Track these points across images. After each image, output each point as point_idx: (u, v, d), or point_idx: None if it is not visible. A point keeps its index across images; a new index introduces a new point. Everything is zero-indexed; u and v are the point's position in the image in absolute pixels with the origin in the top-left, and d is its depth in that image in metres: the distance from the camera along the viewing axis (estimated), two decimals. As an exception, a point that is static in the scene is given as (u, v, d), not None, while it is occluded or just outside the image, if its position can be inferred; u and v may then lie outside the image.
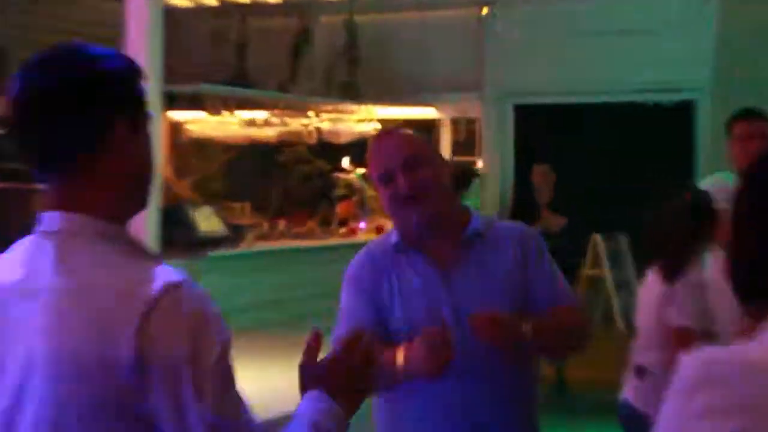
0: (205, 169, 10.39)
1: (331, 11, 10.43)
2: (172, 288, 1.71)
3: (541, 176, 8.28)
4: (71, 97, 1.76)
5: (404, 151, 3.11)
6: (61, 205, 1.81)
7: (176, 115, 10.00)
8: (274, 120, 10.21)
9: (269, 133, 10.40)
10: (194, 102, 9.72)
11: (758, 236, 1.70)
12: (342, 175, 10.69)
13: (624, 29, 9.45)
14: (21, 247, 1.91)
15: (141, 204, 1.94)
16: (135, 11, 7.05)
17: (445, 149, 11.06)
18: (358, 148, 10.99)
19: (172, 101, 9.13)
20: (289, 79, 10.29)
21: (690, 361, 1.60)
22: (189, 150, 10.31)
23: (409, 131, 3.37)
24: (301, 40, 10.19)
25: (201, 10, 10.59)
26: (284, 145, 10.81)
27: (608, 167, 7.95)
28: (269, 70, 10.32)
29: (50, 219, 1.82)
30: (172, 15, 8.01)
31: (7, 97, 1.81)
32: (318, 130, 10.54)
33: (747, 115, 5.46)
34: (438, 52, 10.33)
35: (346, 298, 3.20)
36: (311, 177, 11.10)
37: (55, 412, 1.70)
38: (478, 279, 3.10)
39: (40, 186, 1.89)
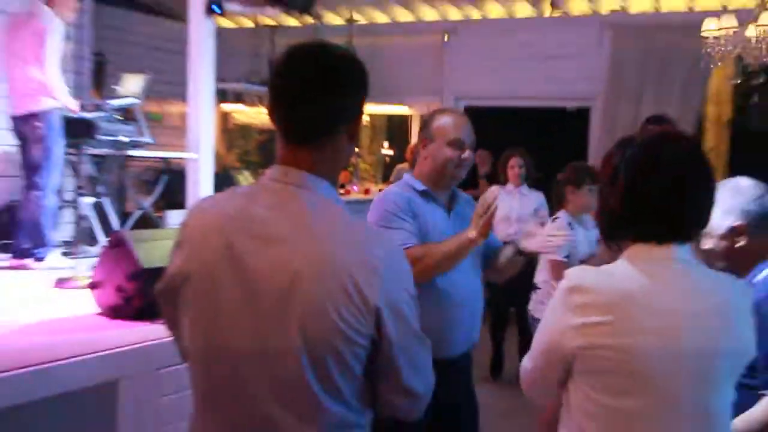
0: (245, 146, 11.49)
1: (336, 34, 11.12)
2: (398, 245, 2.21)
3: (481, 157, 8.99)
4: (345, 84, 2.04)
5: (473, 135, 3.72)
6: (307, 166, 2.02)
7: (226, 106, 10.93)
8: None
9: None
10: (238, 97, 10.83)
11: (617, 197, 2.28)
12: None
13: (544, 54, 10.51)
14: (265, 192, 2.07)
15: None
16: (195, 30, 7.83)
17: (414, 135, 11.48)
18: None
19: (223, 96, 10.19)
20: None
21: (570, 274, 2.25)
22: (234, 132, 11.47)
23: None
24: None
25: (241, 31, 11.59)
26: None
27: (531, 152, 8.12)
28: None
29: (297, 176, 2.01)
30: (221, 33, 8.55)
31: (272, 79, 2.08)
32: None
33: (658, 120, 6.03)
34: (411, 65, 11.27)
35: (401, 219, 3.61)
36: None
37: (315, 324, 1.90)
38: (461, 219, 3.72)
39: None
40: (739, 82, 9.31)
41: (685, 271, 2.22)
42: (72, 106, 6.76)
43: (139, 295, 4.57)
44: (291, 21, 11.18)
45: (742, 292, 2.30)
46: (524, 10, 10.82)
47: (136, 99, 7.70)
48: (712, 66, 8.62)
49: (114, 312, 4.68)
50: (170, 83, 9.41)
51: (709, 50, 8.12)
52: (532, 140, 9.66)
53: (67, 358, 3.84)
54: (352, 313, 1.89)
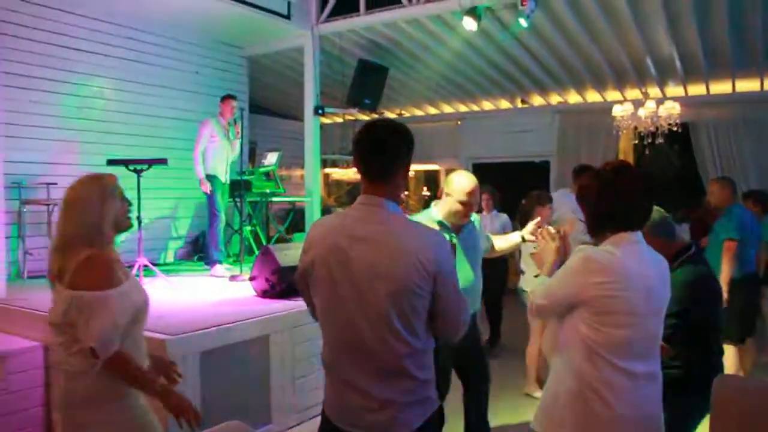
0: (338, 193, 11.40)
1: None
2: (442, 237, 2.13)
3: (487, 196, 8.30)
4: (401, 146, 2.09)
5: (478, 195, 3.58)
6: (381, 194, 2.07)
7: (327, 170, 10.91)
8: None
9: None
10: (333, 163, 10.91)
11: (604, 205, 2.27)
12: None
13: (518, 128, 10.68)
14: (358, 211, 2.11)
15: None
16: (308, 125, 8.10)
17: (442, 182, 12.35)
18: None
19: (325, 163, 10.22)
20: None
21: (585, 249, 2.24)
22: (332, 184, 11.44)
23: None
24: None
25: (335, 124, 11.61)
26: None
27: (516, 187, 7.20)
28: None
29: (375, 200, 2.07)
30: (323, 126, 8.83)
31: (356, 136, 2.11)
32: None
33: (585, 168, 5.69)
34: (439, 139, 11.29)
35: None
36: None
37: (396, 291, 1.96)
38: (464, 240, 3.59)
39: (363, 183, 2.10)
40: (636, 143, 9.44)
41: (645, 248, 2.29)
42: (201, 179, 6.61)
43: (279, 282, 4.87)
44: (364, 117, 11.02)
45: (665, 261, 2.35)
46: (506, 104, 10.96)
47: (274, 166, 7.83)
48: (620, 134, 9.09)
49: (264, 294, 4.98)
50: (294, 157, 9.60)
51: (617, 124, 8.45)
52: (517, 181, 9.36)
53: (240, 320, 4.10)
54: (421, 278, 1.97)
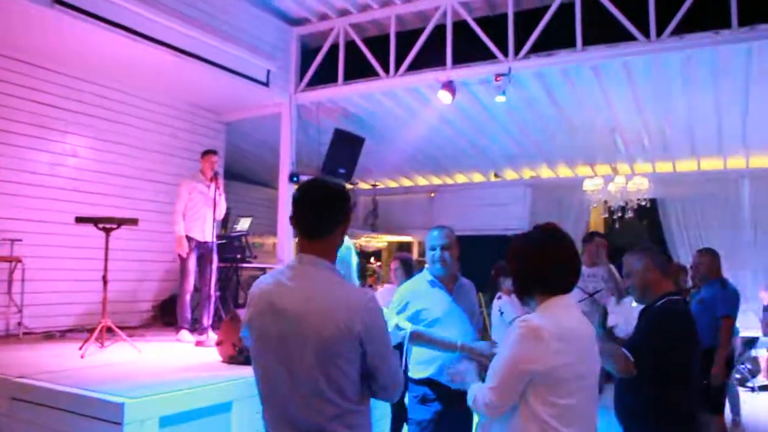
0: None
1: (365, 194, 11.60)
2: (372, 296, 2.09)
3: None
4: (337, 206, 2.11)
5: (445, 239, 3.52)
6: (315, 252, 2.07)
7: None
8: None
9: None
10: None
11: (534, 269, 2.26)
12: (370, 265, 10.96)
13: (491, 202, 10.81)
14: (292, 270, 2.10)
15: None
16: (283, 192, 7.93)
17: (415, 253, 11.49)
18: (378, 254, 11.67)
19: None
20: None
21: (528, 319, 2.15)
22: None
23: (448, 229, 3.58)
24: (352, 205, 11.97)
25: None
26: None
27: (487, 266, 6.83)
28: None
29: (309, 258, 2.07)
30: None
31: (295, 195, 2.11)
32: (360, 245, 10.92)
33: (594, 235, 6.04)
34: (412, 211, 11.49)
35: (408, 303, 3.52)
36: (357, 266, 12.12)
37: (324, 351, 1.94)
38: (458, 296, 3.57)
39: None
40: (606, 216, 9.57)
41: (577, 310, 2.31)
42: (178, 238, 6.27)
43: (246, 348, 4.27)
44: None
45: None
46: (479, 177, 11.08)
47: (246, 232, 7.77)
48: (590, 207, 9.24)
49: (230, 360, 4.80)
50: (267, 225, 9.45)
51: (587, 198, 8.67)
52: (488, 256, 9.16)
53: (202, 386, 3.94)
54: (347, 341, 1.96)
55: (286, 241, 7.99)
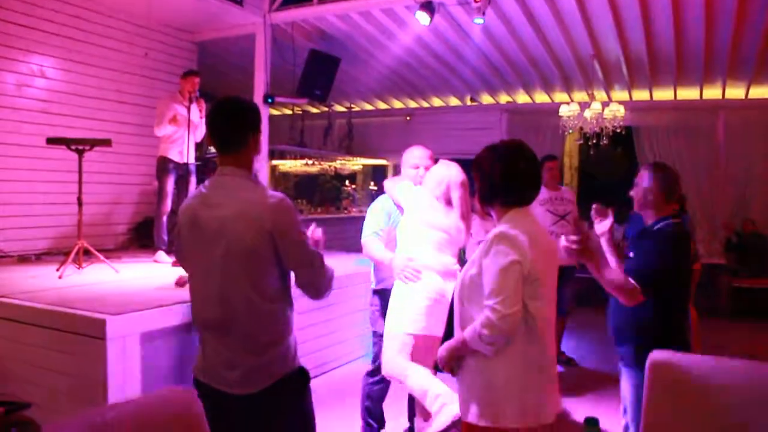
0: (286, 184, 11.34)
1: (340, 117, 11.53)
2: (282, 198, 2.24)
3: None
4: (247, 117, 2.28)
5: (428, 159, 3.65)
6: (230, 163, 2.26)
7: (273, 162, 10.65)
8: (316, 163, 10.72)
9: (314, 169, 10.96)
10: (281, 155, 10.54)
11: (497, 177, 2.33)
12: (345, 188, 11.60)
13: (466, 126, 10.71)
14: (212, 181, 2.31)
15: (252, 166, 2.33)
16: None
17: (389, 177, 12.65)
18: (353, 177, 12.06)
19: (272, 154, 10.03)
20: (323, 145, 11.05)
21: (504, 228, 2.26)
22: (279, 176, 11.32)
23: (430, 151, 3.68)
24: (328, 127, 11.11)
25: (283, 116, 11.48)
26: (320, 174, 11.48)
27: None
28: (314, 141, 11.14)
29: (227, 170, 2.26)
30: (271, 117, 8.90)
31: (208, 114, 2.32)
32: (335, 167, 11.36)
33: (550, 158, 6.19)
34: (387, 134, 11.33)
35: (376, 217, 3.61)
36: (332, 189, 11.72)
37: (239, 251, 2.15)
38: None
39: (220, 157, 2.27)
40: (581, 143, 9.70)
41: (539, 223, 2.42)
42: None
43: None
44: (314, 109, 11.18)
45: None
46: (455, 102, 11.06)
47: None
48: (566, 133, 9.30)
49: None
50: None
51: (563, 124, 8.72)
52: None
53: (181, 303, 3.89)
54: (258, 238, 2.15)
55: (261, 165, 8.01)
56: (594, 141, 8.56)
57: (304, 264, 2.28)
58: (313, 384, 2.48)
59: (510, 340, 2.19)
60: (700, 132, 9.30)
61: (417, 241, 3.36)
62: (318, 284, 2.34)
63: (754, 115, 8.94)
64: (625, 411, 3.01)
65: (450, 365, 2.39)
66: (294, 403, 2.34)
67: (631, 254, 2.99)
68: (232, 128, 2.26)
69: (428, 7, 6.91)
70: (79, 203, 5.36)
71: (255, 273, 2.18)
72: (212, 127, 2.31)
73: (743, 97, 8.97)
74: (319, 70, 8.25)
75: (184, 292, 4.23)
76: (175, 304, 3.89)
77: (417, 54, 8.78)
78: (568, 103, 8.61)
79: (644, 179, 3.05)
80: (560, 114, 8.44)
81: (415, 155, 3.70)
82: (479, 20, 6.76)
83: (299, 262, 2.26)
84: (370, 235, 3.61)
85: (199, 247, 2.25)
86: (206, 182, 2.35)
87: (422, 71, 9.59)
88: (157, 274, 5.35)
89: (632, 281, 2.77)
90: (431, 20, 6.98)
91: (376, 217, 3.68)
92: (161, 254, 6.27)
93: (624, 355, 2.98)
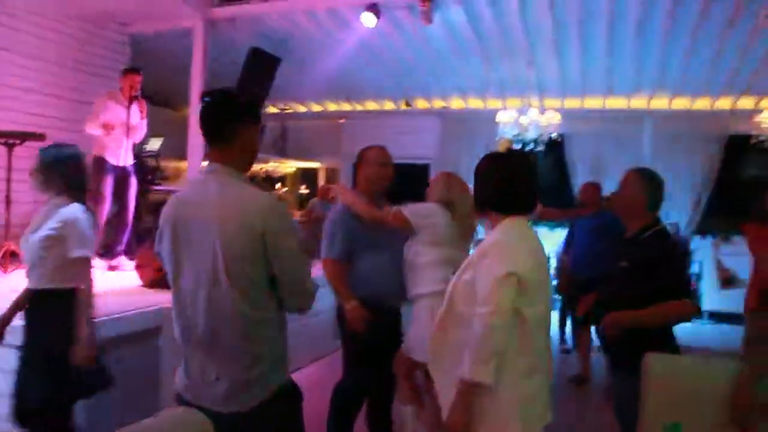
0: None
1: (275, 119, 11.41)
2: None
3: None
4: (236, 108, 2.14)
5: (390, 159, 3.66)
6: (218, 160, 2.10)
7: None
8: None
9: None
10: None
11: (480, 188, 2.37)
12: (276, 191, 11.28)
13: (401, 130, 10.38)
14: (197, 179, 2.22)
15: (250, 164, 2.20)
16: (194, 113, 7.58)
17: (321, 182, 11.64)
18: (284, 179, 11.93)
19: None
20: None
21: (498, 236, 2.28)
22: None
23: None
24: (261, 129, 11.71)
25: None
26: (250, 176, 11.96)
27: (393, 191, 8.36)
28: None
29: (214, 167, 2.11)
30: None
31: (200, 111, 2.14)
32: (266, 170, 11.34)
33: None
34: (321, 137, 11.34)
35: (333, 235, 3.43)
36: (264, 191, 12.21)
37: (228, 255, 1.98)
38: None
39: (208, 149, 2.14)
40: (520, 149, 9.42)
41: (535, 234, 2.38)
42: None
43: None
44: None
45: None
46: (390, 105, 11.08)
47: (157, 152, 7.60)
48: (498, 140, 9.42)
49: (152, 284, 4.72)
50: (173, 148, 8.76)
51: (500, 130, 8.79)
52: (396, 184, 9.51)
53: (130, 311, 3.85)
54: (248, 241, 1.99)
55: (196, 163, 7.60)
56: (531, 146, 8.70)
57: (291, 273, 2.10)
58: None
59: (502, 350, 2.16)
60: (627, 139, 9.64)
61: None
62: (302, 293, 2.16)
63: (677, 125, 9.37)
64: (619, 408, 3.06)
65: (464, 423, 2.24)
66: (286, 422, 2.20)
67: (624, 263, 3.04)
68: (218, 120, 2.12)
69: (374, 9, 6.87)
70: (8, 202, 5.04)
71: (245, 279, 2.02)
72: (202, 120, 2.15)
73: (667, 107, 9.38)
74: (259, 69, 8.06)
75: (131, 298, 4.24)
76: (125, 313, 3.81)
77: (357, 57, 8.72)
78: (505, 109, 8.72)
79: (631, 183, 3.06)
80: (498, 120, 8.55)
81: (381, 153, 3.73)
82: (427, 24, 6.75)
83: (286, 270, 2.08)
84: None
85: (182, 251, 2.08)
86: (190, 179, 2.22)
87: (360, 74, 9.55)
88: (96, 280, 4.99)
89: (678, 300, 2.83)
90: (377, 22, 6.94)
91: None
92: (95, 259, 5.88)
93: (619, 359, 3.03)
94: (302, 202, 11.95)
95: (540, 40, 7.65)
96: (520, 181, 2.35)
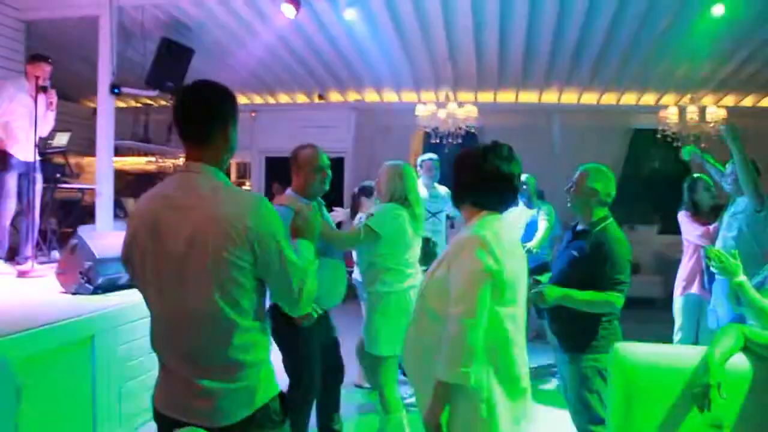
0: (118, 184, 9.77)
1: None
2: (262, 198, 1.99)
3: (278, 188, 8.86)
4: (220, 105, 2.01)
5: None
6: (199, 159, 1.96)
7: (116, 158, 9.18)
8: (159, 160, 10.14)
9: (151, 167, 10.15)
10: (124, 151, 9.75)
11: (460, 181, 2.36)
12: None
13: (314, 124, 10.49)
14: (175, 179, 2.01)
15: (227, 163, 2.07)
16: (103, 107, 7.06)
17: (232, 177, 11.45)
18: None
19: (116, 151, 8.83)
20: (167, 141, 10.35)
21: (474, 232, 2.23)
22: (122, 174, 10.01)
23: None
24: (170, 124, 9.53)
25: (128, 109, 10.57)
26: (159, 172, 10.30)
27: None
28: (159, 137, 10.53)
29: (196, 166, 1.96)
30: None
31: (175, 105, 1.99)
32: (176, 165, 10.42)
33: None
34: None
35: None
36: None
37: (216, 259, 1.85)
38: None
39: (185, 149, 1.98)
40: (437, 141, 9.53)
41: (512, 230, 2.47)
42: None
43: (96, 277, 4.34)
44: (162, 101, 10.50)
45: None
46: (303, 98, 10.90)
47: (64, 148, 7.20)
48: (412, 134, 9.46)
49: (76, 291, 4.40)
50: (81, 144, 8.64)
51: (417, 124, 8.83)
52: None
53: (57, 321, 3.54)
54: (235, 246, 1.87)
55: (106, 159, 7.22)
56: (449, 140, 8.76)
57: (285, 277, 1.99)
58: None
59: (477, 350, 2.12)
60: (538, 133, 9.92)
61: None
62: (293, 295, 2.05)
63: (585, 119, 9.73)
64: (565, 390, 3.24)
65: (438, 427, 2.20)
66: None
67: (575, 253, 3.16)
68: (201, 117, 1.98)
69: (295, 1, 6.70)
70: None
71: (233, 285, 1.89)
72: (177, 116, 1.99)
73: (576, 102, 9.70)
74: (171, 60, 7.68)
75: (54, 308, 3.91)
76: (49, 324, 3.48)
77: (271, 48, 8.47)
78: (424, 103, 8.80)
79: (589, 179, 3.23)
80: (417, 114, 8.56)
81: (324, 156, 3.68)
82: (350, 14, 6.64)
83: (279, 274, 1.98)
84: None
85: (161, 257, 1.92)
86: (166, 180, 2.05)
87: (273, 66, 9.29)
88: (4, 287, 4.79)
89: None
90: (297, 13, 6.78)
91: None
92: (32, 264, 5.54)
93: (567, 344, 3.18)
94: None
95: (457, 33, 7.69)
96: (505, 177, 2.31)
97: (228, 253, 1.86)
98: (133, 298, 4.00)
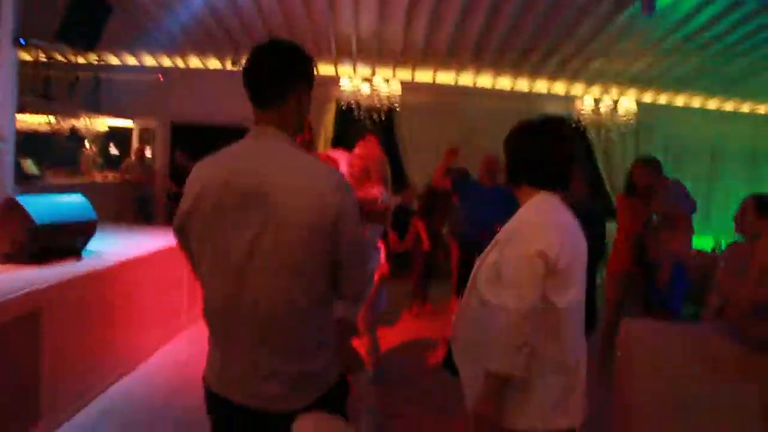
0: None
1: (85, 69, 9.82)
2: (343, 174, 1.90)
3: (181, 156, 8.99)
4: (297, 65, 1.86)
5: None
6: (271, 123, 1.82)
7: None
8: (59, 120, 9.63)
9: (43, 128, 9.64)
10: (21, 108, 8.09)
11: (514, 159, 2.21)
12: (85, 150, 10.50)
13: (224, 92, 9.93)
14: (245, 145, 1.86)
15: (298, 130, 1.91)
16: (5, 58, 6.32)
17: (134, 143, 10.80)
18: (94, 139, 10.90)
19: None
20: (69, 100, 9.49)
21: (531, 216, 2.12)
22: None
23: None
24: (74, 81, 9.38)
25: (27, 63, 9.31)
26: (54, 133, 9.99)
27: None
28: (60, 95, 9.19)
29: (268, 130, 1.83)
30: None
31: (250, 63, 1.84)
32: (73, 126, 10.16)
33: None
34: (134, 94, 10.12)
35: None
36: (68, 150, 10.46)
37: (291, 233, 1.70)
38: None
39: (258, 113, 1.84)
40: (362, 119, 9.66)
41: (567, 211, 2.19)
42: None
43: (31, 244, 4.14)
44: (73, 57, 9.68)
45: None
46: (215, 64, 10.44)
47: None
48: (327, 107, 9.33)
49: (8, 259, 4.16)
50: None
51: (344, 98, 8.81)
52: (214, 146, 8.98)
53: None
54: (322, 219, 1.75)
55: (7, 116, 6.57)
56: (375, 115, 8.72)
57: (357, 263, 1.87)
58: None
59: (530, 340, 2.00)
60: (454, 114, 10.01)
61: None
62: (364, 280, 1.98)
63: (497, 102, 10.00)
64: None
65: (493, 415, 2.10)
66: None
67: None
68: (268, 80, 1.82)
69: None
70: None
71: (308, 265, 1.76)
72: (246, 77, 1.84)
73: (491, 87, 9.99)
74: (84, 14, 7.09)
75: None
76: None
77: (186, 5, 7.96)
78: (351, 78, 8.68)
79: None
80: (342, 89, 8.45)
81: None
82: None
83: (353, 260, 1.84)
84: None
85: (228, 231, 1.76)
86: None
87: (185, 25, 8.64)
88: None
89: None
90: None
91: None
92: None
93: None
94: (111, 163, 10.98)
95: (389, 6, 7.58)
96: (561, 154, 2.18)
97: (307, 230, 1.72)
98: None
